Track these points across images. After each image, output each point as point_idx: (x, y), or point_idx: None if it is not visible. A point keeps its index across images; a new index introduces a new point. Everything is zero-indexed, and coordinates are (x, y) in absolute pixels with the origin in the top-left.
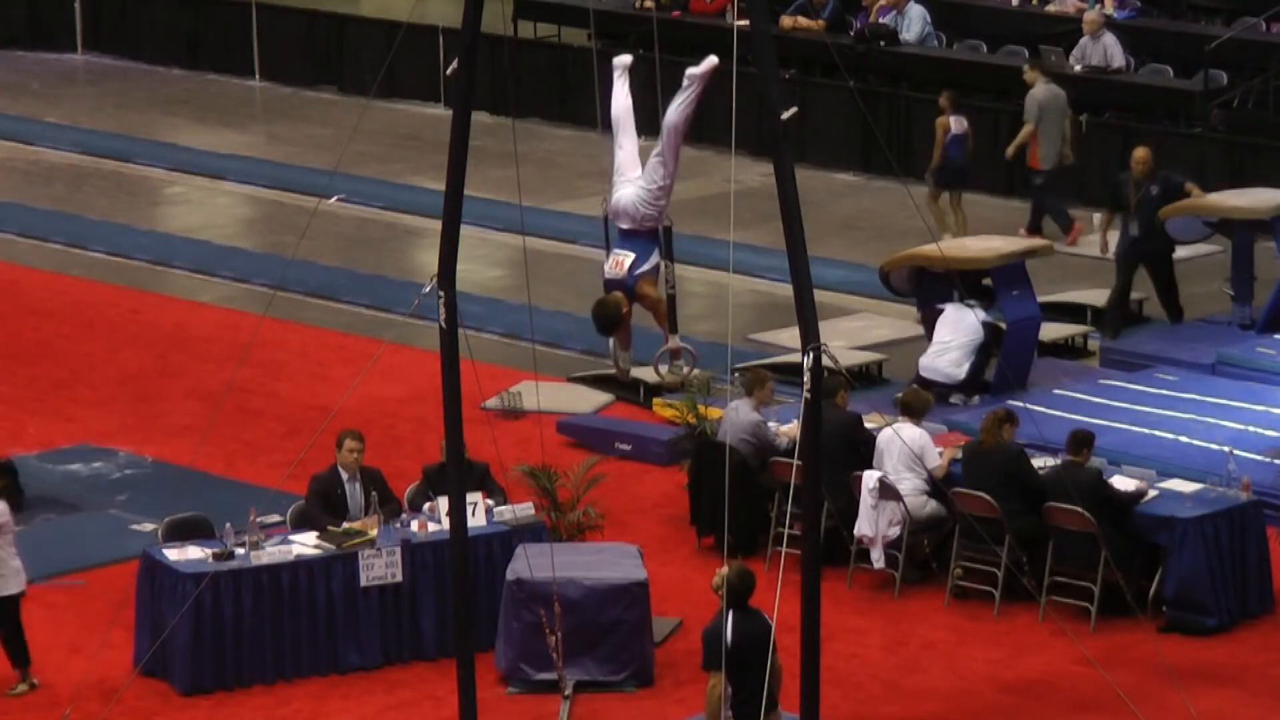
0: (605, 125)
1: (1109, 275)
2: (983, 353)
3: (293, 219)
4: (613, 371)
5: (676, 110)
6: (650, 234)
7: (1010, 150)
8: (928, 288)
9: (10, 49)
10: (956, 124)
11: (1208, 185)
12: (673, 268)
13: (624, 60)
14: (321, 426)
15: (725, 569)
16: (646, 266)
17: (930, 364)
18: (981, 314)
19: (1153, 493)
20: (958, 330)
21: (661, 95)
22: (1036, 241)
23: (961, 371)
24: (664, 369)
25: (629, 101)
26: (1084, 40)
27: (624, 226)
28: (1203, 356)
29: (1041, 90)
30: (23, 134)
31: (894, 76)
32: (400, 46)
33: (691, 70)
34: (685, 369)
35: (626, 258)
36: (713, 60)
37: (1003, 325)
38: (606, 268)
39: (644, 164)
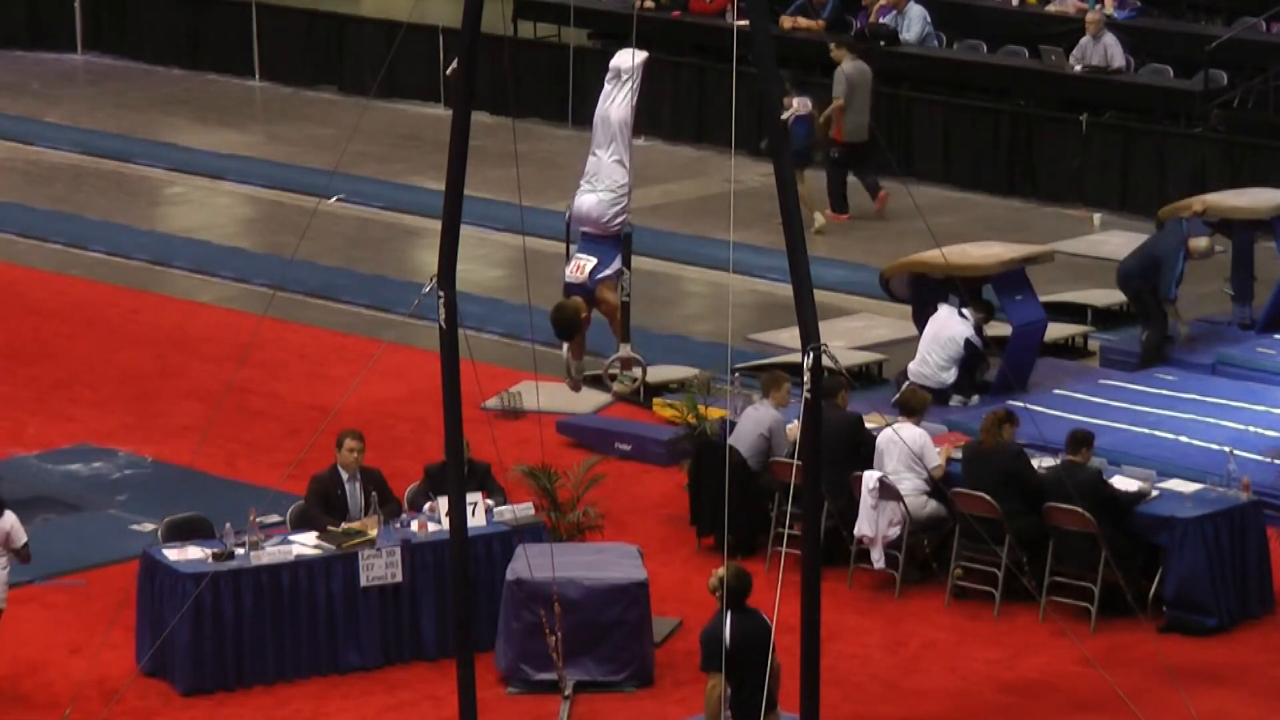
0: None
1: (1108, 275)
2: (965, 363)
3: (293, 219)
4: (612, 372)
5: (621, 107)
6: (613, 239)
7: (820, 119)
8: (926, 294)
9: (10, 49)
10: (800, 104)
11: (1208, 185)
12: (629, 276)
13: (623, 63)
14: (321, 426)
15: (722, 570)
16: (608, 272)
17: (917, 370)
18: (969, 329)
19: (1153, 493)
20: (939, 338)
21: (654, 96)
22: (1037, 248)
23: (949, 376)
24: (614, 373)
25: (626, 112)
26: (1084, 40)
27: (586, 231)
28: (1203, 356)
29: (850, 66)
30: (23, 134)
31: (894, 76)
32: (400, 46)
33: (616, 63)
34: (636, 378)
35: (588, 262)
36: (643, 54)
37: (980, 349)
38: (567, 272)
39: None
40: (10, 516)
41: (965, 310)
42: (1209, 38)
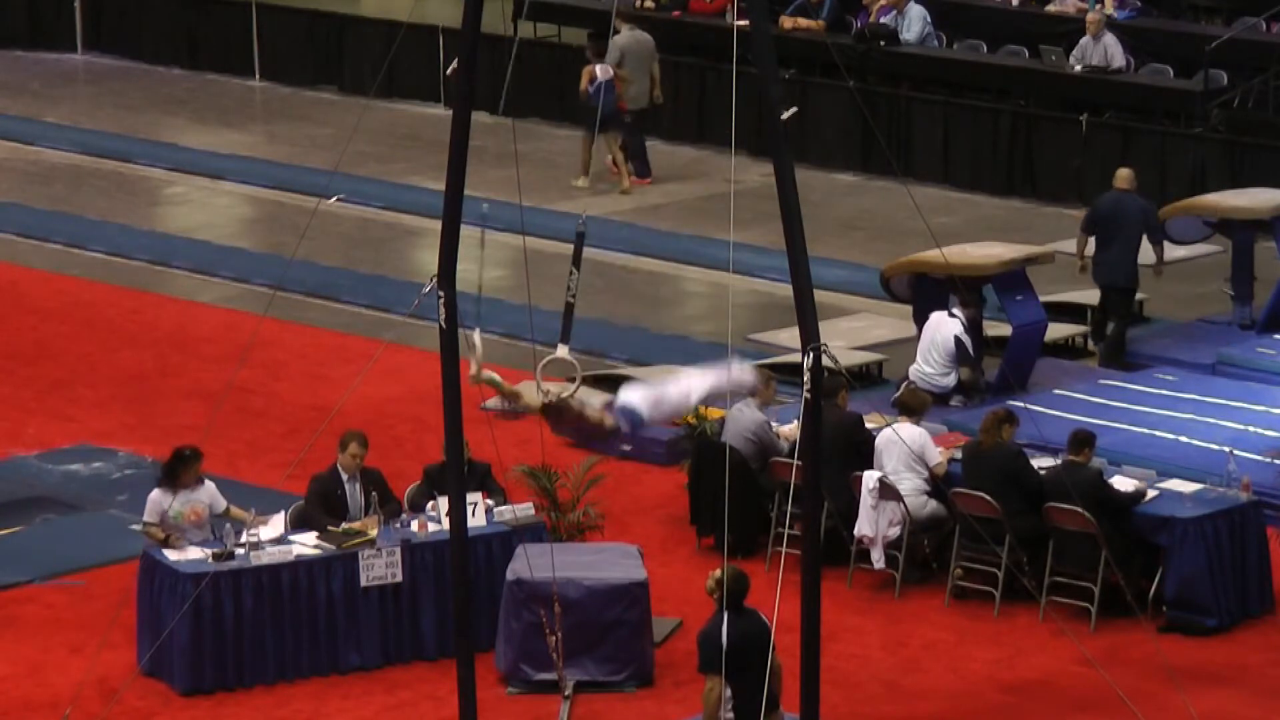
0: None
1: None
2: (960, 362)
3: (293, 219)
4: (619, 371)
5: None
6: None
7: (616, 94)
8: (926, 294)
9: (10, 49)
10: (602, 71)
11: (1208, 185)
12: (578, 275)
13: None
14: (321, 426)
15: (719, 571)
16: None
17: (917, 375)
18: (958, 326)
19: (1152, 493)
20: (934, 343)
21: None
22: (1037, 248)
23: (949, 381)
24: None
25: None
26: (1084, 40)
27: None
28: (1203, 356)
29: (625, 36)
30: (23, 134)
31: (894, 76)
32: (400, 46)
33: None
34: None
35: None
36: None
37: (969, 350)
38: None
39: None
40: (210, 486)
41: (955, 310)
42: (1209, 38)
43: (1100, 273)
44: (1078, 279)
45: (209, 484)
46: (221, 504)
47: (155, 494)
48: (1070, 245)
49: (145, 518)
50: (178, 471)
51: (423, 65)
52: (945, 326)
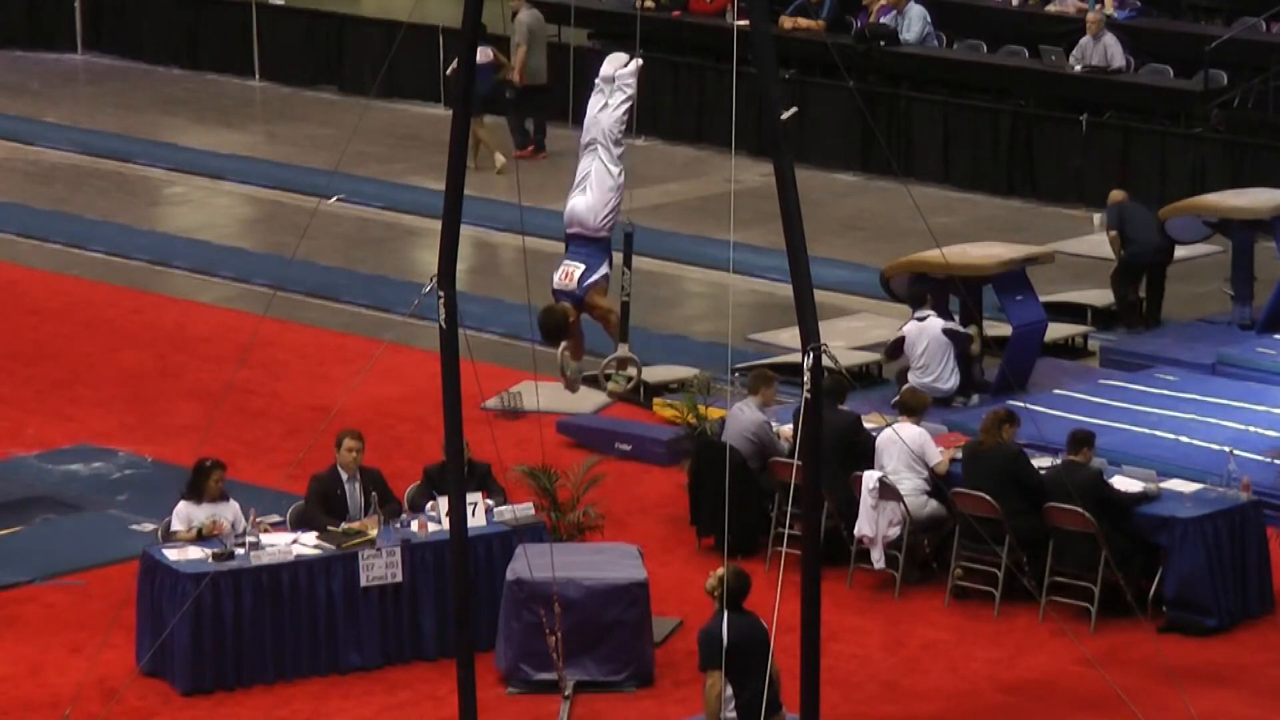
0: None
1: (1108, 275)
2: (961, 360)
3: (293, 219)
4: (608, 372)
5: (608, 113)
6: (601, 243)
7: (517, 74)
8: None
9: (10, 49)
10: (481, 54)
11: (1208, 185)
12: (630, 275)
13: (609, 70)
14: (322, 427)
15: (721, 570)
16: (596, 277)
17: (918, 382)
18: (940, 322)
19: (1156, 492)
20: (928, 350)
21: (654, 96)
22: (1037, 248)
23: (950, 384)
24: (609, 373)
25: (613, 121)
26: (1084, 40)
27: (575, 233)
28: (1203, 356)
29: (526, 15)
30: (23, 134)
31: (894, 76)
32: (400, 46)
33: (612, 70)
34: (631, 378)
35: (576, 268)
36: (638, 61)
37: (959, 329)
38: (556, 278)
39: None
40: (234, 505)
41: (920, 312)
42: (1209, 38)
43: (1133, 256)
44: (1080, 279)
45: (234, 503)
46: (242, 525)
47: (181, 506)
48: (1070, 245)
49: (174, 526)
50: (200, 483)
51: (423, 65)
52: (926, 331)
